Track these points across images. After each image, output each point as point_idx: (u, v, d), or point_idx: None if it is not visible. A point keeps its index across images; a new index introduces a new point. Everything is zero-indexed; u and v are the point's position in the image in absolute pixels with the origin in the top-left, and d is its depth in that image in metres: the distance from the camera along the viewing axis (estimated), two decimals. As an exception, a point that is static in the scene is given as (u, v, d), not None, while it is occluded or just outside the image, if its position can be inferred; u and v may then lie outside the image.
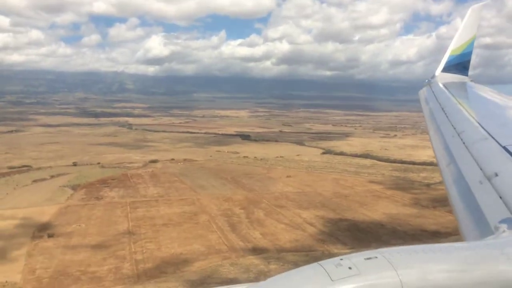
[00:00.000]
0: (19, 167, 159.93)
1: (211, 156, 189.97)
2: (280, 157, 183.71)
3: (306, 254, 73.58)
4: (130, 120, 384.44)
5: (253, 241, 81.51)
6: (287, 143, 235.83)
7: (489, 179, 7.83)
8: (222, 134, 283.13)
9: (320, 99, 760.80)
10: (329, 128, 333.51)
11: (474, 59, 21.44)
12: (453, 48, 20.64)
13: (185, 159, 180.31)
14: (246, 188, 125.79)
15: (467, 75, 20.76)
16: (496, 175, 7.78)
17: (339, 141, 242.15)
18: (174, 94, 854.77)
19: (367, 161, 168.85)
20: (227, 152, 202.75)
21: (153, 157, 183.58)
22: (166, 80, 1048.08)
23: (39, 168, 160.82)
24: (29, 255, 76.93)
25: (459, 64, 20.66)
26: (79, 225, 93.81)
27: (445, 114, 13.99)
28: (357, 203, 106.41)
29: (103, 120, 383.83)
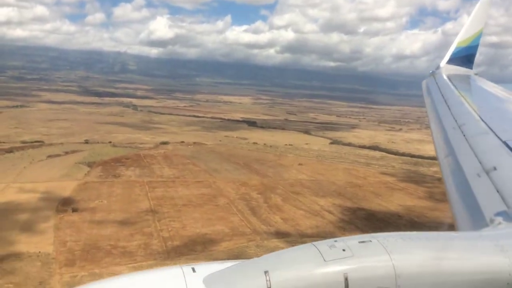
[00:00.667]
0: (31, 142, 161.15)
1: (220, 140, 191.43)
2: (289, 145, 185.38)
3: (329, 240, 75.66)
4: (134, 101, 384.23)
5: (275, 225, 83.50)
6: (293, 132, 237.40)
7: (487, 172, 7.91)
8: (228, 120, 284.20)
9: (323, 90, 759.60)
10: (333, 119, 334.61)
11: (478, 57, 21.49)
12: (459, 40, 20.50)
13: (195, 142, 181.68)
14: (260, 174, 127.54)
15: (471, 68, 20.76)
16: (495, 169, 7.87)
17: (345, 132, 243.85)
18: (177, 77, 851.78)
19: (376, 153, 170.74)
20: (236, 137, 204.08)
21: (163, 139, 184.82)
22: (168, 63, 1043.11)
23: (51, 144, 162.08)
24: (57, 228, 78.67)
25: (465, 57, 20.58)
26: (101, 201, 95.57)
27: (447, 106, 13.93)
28: (371, 193, 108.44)
29: (106, 99, 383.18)
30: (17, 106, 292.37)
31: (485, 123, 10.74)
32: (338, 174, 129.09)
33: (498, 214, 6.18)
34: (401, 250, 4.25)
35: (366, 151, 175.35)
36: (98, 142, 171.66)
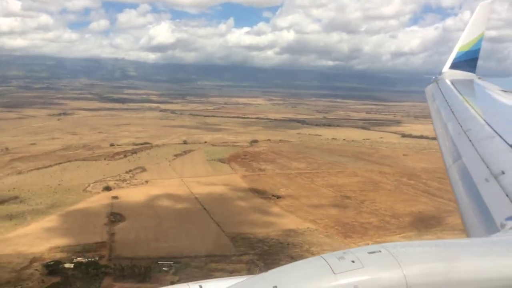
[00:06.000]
0: (141, 144, 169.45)
1: (299, 138, 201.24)
2: (367, 139, 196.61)
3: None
4: (161, 106, 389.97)
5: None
6: (351, 128, 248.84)
7: (495, 177, 7.80)
8: (275, 120, 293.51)
9: (323, 89, 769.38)
10: (366, 115, 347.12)
11: None
12: (461, 44, 20.39)
13: (280, 140, 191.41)
14: (381, 164, 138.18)
15: (474, 72, 20.49)
16: (503, 173, 7.75)
17: (399, 127, 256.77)
18: (177, 81, 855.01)
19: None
20: (309, 134, 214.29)
21: (246, 138, 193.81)
22: (166, 68, 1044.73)
23: (157, 145, 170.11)
24: (286, 210, 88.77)
25: (467, 61, 20.44)
26: (287, 190, 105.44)
27: (452, 111, 13.77)
28: None
29: (131, 105, 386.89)
30: (61, 114, 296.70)
31: (490, 127, 10.64)
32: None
33: (509, 218, 6.17)
34: (411, 260, 4.25)
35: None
36: (195, 143, 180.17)
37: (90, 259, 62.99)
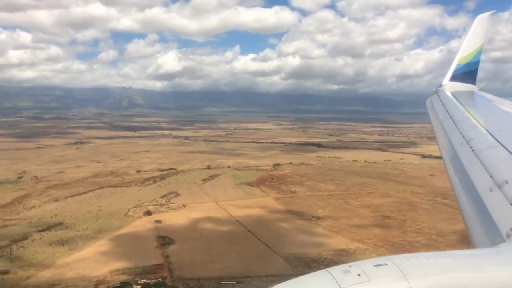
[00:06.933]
0: (167, 170, 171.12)
1: (320, 160, 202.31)
2: (388, 160, 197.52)
3: None
4: (173, 133, 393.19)
5: None
6: (369, 150, 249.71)
7: (499, 186, 7.78)
8: (291, 143, 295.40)
9: (329, 113, 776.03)
10: (377, 137, 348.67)
11: (480, 73, 21.11)
12: (460, 57, 20.44)
13: (302, 163, 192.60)
14: (410, 184, 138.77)
15: (475, 84, 20.52)
16: (507, 182, 7.75)
17: (416, 148, 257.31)
18: (185, 109, 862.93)
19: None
20: (328, 157, 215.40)
21: (268, 162, 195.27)
22: (173, 95, 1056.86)
23: (182, 171, 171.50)
24: (331, 231, 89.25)
25: (467, 73, 20.47)
26: (324, 211, 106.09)
27: (454, 122, 13.77)
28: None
29: (143, 133, 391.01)
30: (77, 143, 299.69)
31: (493, 136, 10.66)
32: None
33: None
34: (418, 272, 4.21)
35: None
36: (218, 167, 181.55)
37: (155, 281, 63.68)
